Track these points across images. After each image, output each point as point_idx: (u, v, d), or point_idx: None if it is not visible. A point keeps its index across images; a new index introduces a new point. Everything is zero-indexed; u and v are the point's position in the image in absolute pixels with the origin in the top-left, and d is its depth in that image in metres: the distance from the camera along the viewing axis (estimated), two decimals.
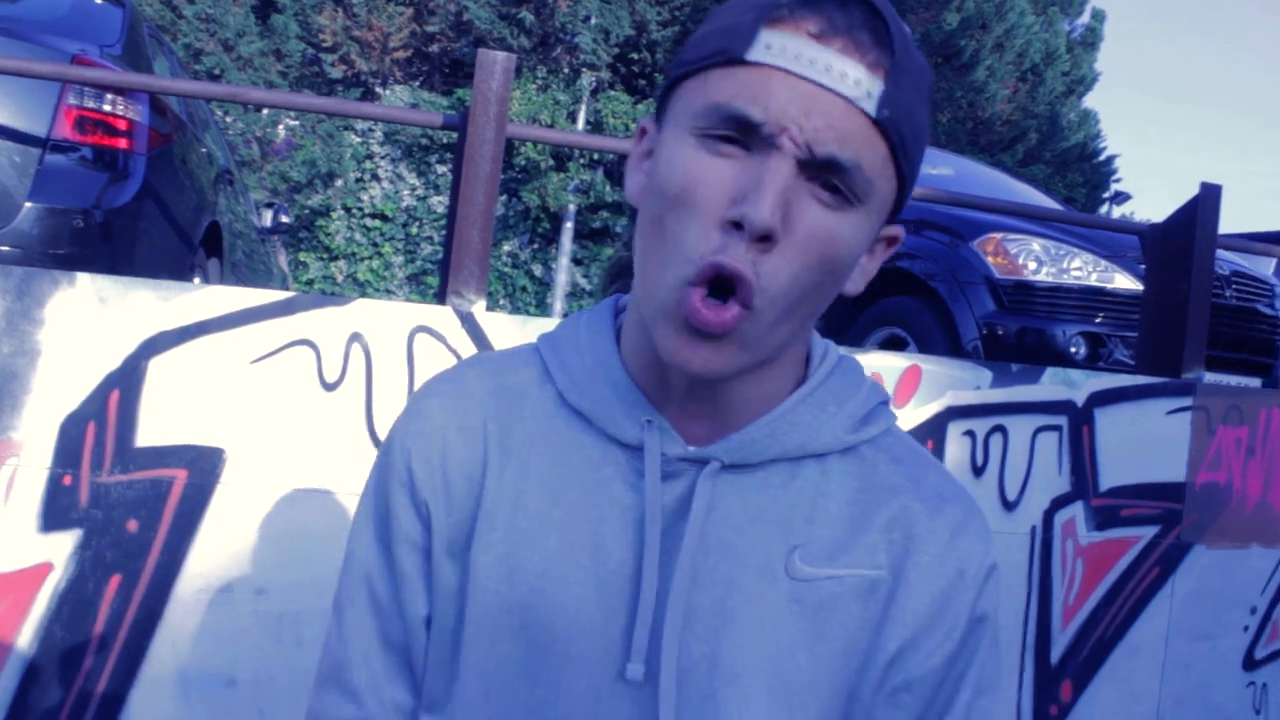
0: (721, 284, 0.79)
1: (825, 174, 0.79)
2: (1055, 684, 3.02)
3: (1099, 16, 17.43)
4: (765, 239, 0.78)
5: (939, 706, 0.90)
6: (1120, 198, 17.10)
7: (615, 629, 0.88)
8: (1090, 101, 20.26)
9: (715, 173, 0.80)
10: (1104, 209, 17.08)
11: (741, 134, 0.79)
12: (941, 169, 5.56)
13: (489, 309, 2.52)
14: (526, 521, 0.91)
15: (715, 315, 0.79)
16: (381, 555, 0.95)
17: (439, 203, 13.16)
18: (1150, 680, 3.13)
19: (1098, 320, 4.13)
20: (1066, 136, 16.47)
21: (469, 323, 2.40)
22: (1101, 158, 17.15)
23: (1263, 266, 6.52)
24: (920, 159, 0.86)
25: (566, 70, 13.31)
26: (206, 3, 12.76)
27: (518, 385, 0.96)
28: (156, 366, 2.25)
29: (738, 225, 0.78)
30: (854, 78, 0.78)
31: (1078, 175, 16.42)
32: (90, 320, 2.23)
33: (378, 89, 13.57)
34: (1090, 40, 17.52)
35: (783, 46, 0.79)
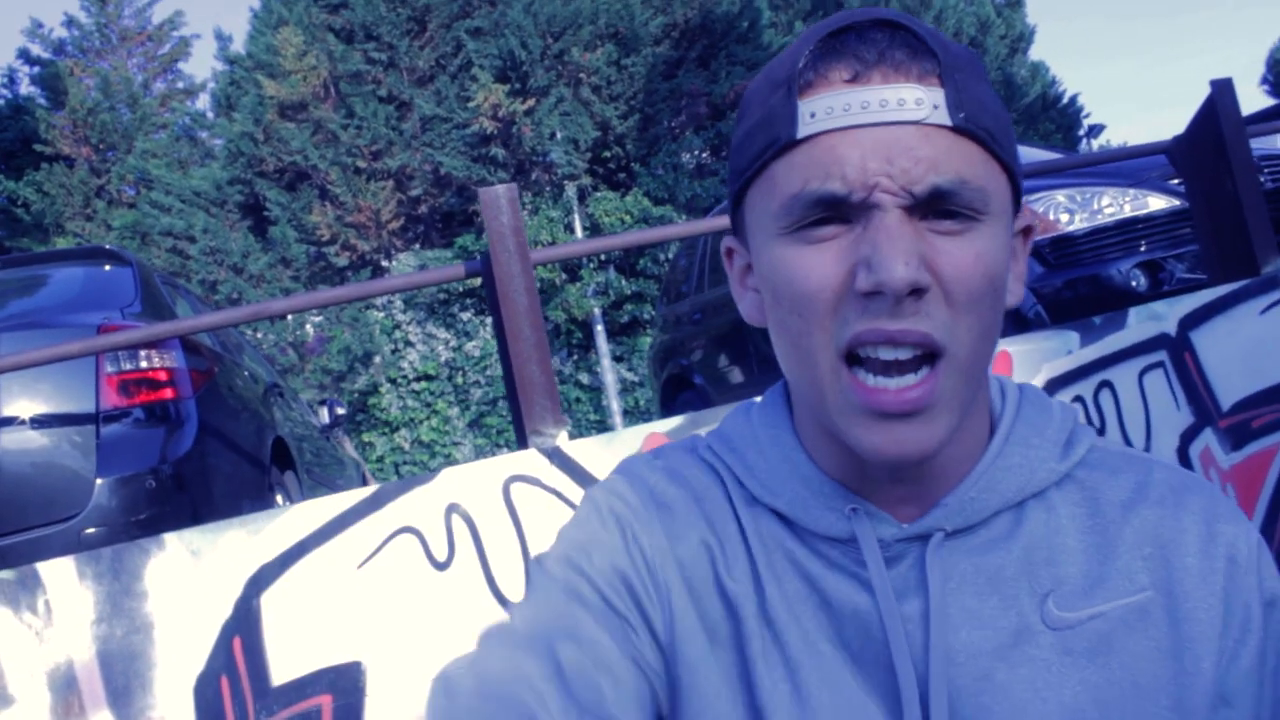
0: (890, 363, 0.72)
1: (937, 205, 0.71)
2: None
3: None
4: (916, 292, 0.70)
5: (1269, 706, 0.80)
6: (1095, 130, 16.90)
7: None
8: (1035, 53, 20.12)
9: (822, 260, 0.73)
10: (1083, 145, 16.87)
11: (833, 211, 0.72)
12: None
13: None
14: (762, 644, 0.81)
15: (898, 395, 0.72)
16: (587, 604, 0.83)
17: (474, 347, 13.14)
18: None
19: (1146, 248, 3.92)
20: (1025, 92, 16.35)
21: (557, 457, 2.23)
22: (1064, 100, 16.99)
23: (1271, 144, 6.27)
24: (1013, 140, 0.77)
25: (549, 188, 13.33)
26: (208, 238, 12.93)
27: (714, 484, 0.87)
28: (269, 600, 2.10)
29: (873, 294, 0.70)
30: (913, 98, 0.71)
31: (1049, 124, 16.25)
32: (190, 576, 2.09)
33: (383, 263, 13.65)
34: (1015, 0, 17.47)
35: (828, 107, 0.72)
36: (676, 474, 0.88)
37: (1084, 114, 17.04)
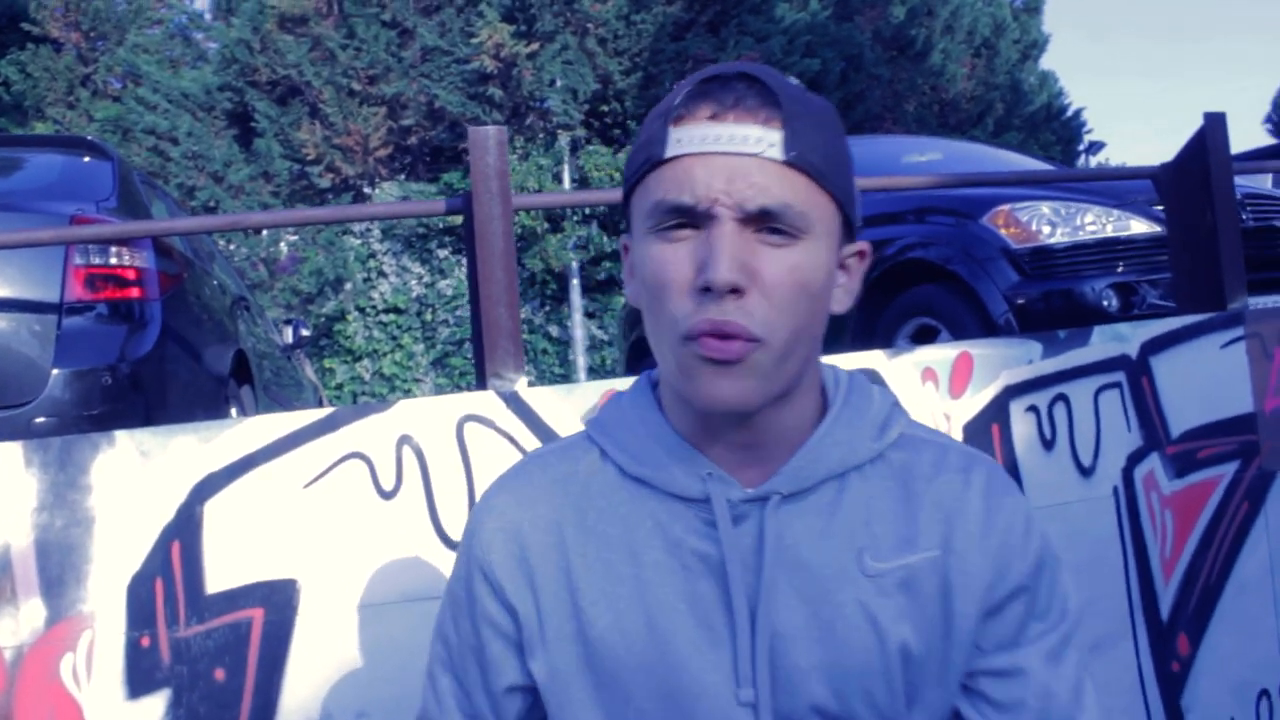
0: (720, 335, 0.92)
1: (764, 222, 0.91)
2: (1171, 640, 2.85)
3: None
4: (735, 291, 0.90)
5: (1022, 646, 1.03)
6: (1095, 147, 16.99)
7: (726, 660, 0.98)
8: (1046, 62, 20.19)
9: (676, 256, 0.93)
10: (1080, 161, 16.96)
11: (686, 218, 0.92)
12: (931, 154, 5.44)
13: None
14: (623, 587, 1.01)
15: (723, 346, 0.91)
16: (470, 638, 1.08)
17: (447, 286, 13.10)
18: (1265, 616, 2.96)
19: (1122, 269, 3.98)
20: (1031, 100, 16.39)
21: (514, 402, 2.27)
22: (1068, 114, 17.05)
23: (1260, 183, 6.34)
24: (847, 178, 0.97)
25: (542, 135, 13.26)
26: (191, 141, 12.79)
27: (582, 470, 1.07)
28: (211, 510, 2.13)
29: (707, 289, 0.90)
30: (754, 137, 0.91)
31: (1049, 135, 16.31)
32: (136, 476, 2.12)
33: (366, 189, 13.56)
34: (1034, 5, 17.46)
35: (689, 136, 0.92)
36: (530, 477, 1.08)
37: (1086, 129, 17.10)
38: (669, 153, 0.93)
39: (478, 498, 2.28)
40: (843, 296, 1.01)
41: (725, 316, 0.90)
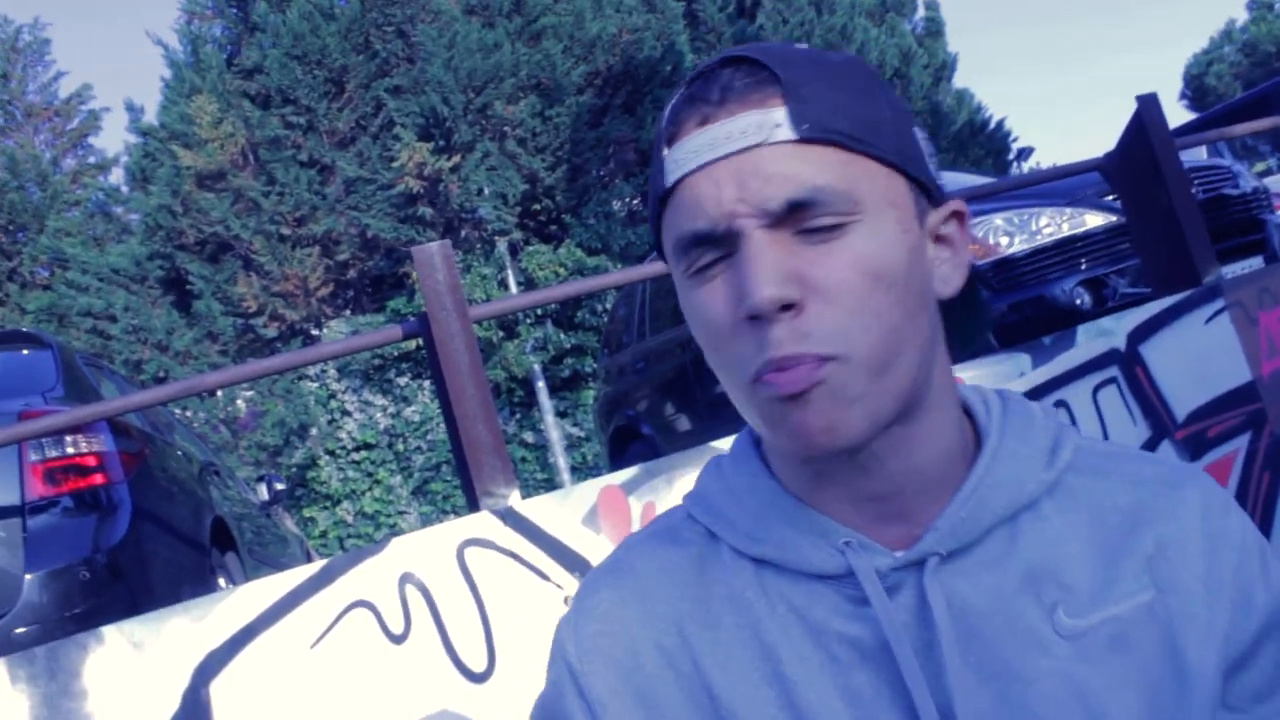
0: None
1: (801, 220, 0.75)
2: None
3: (933, 7, 17.84)
4: (788, 308, 0.74)
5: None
6: (1025, 153, 17.27)
7: None
8: (959, 81, 20.63)
9: (713, 296, 0.78)
10: (1013, 169, 17.23)
11: (712, 250, 0.77)
12: None
13: None
14: (768, 692, 0.82)
15: (789, 374, 0.74)
16: None
17: (414, 412, 13.01)
18: None
19: (1087, 265, 3.99)
20: (953, 120, 16.67)
21: (511, 518, 2.20)
22: (992, 126, 17.36)
23: (1196, 155, 6.46)
24: (900, 136, 0.79)
25: (480, 245, 13.31)
26: (129, 315, 12.72)
27: (693, 554, 0.89)
28: (218, 689, 2.04)
29: (755, 319, 0.75)
30: (755, 123, 0.75)
31: (977, 149, 16.58)
32: (131, 670, 2.02)
33: (314, 331, 13.50)
34: (935, 30, 17.87)
35: (684, 154, 0.78)
36: (633, 567, 0.89)
37: (1012, 138, 17.42)
38: (669, 180, 0.79)
39: (493, 625, 2.23)
40: (950, 274, 0.83)
41: (784, 350, 0.74)
